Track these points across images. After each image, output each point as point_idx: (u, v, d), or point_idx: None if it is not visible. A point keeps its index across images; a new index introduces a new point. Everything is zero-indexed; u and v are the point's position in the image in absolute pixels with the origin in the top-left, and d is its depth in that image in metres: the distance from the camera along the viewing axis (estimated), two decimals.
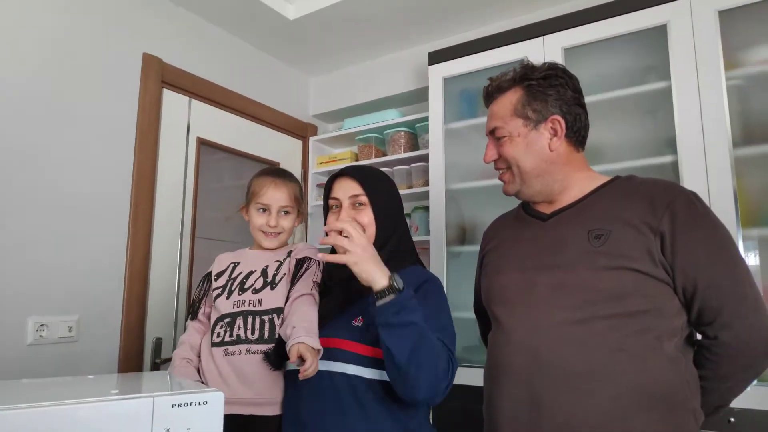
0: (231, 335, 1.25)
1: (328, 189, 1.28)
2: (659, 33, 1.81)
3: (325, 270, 1.32)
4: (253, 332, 1.24)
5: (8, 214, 1.67)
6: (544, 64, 1.17)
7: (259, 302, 1.27)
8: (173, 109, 2.24)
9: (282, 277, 1.30)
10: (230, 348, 1.23)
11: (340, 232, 1.12)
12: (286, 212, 1.38)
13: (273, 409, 1.21)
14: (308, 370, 1.06)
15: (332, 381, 1.14)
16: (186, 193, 2.26)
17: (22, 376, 1.62)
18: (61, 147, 1.82)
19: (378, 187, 1.25)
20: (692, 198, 1.05)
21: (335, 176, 1.28)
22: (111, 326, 1.92)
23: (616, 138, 1.95)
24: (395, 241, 1.24)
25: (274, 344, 1.22)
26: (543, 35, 2.02)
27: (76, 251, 1.83)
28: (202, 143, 2.36)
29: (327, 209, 1.28)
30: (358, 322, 1.17)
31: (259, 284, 1.30)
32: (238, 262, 1.37)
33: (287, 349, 1.11)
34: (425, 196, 2.42)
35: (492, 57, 2.13)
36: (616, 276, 1.00)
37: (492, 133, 1.18)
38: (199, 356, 1.31)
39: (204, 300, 1.37)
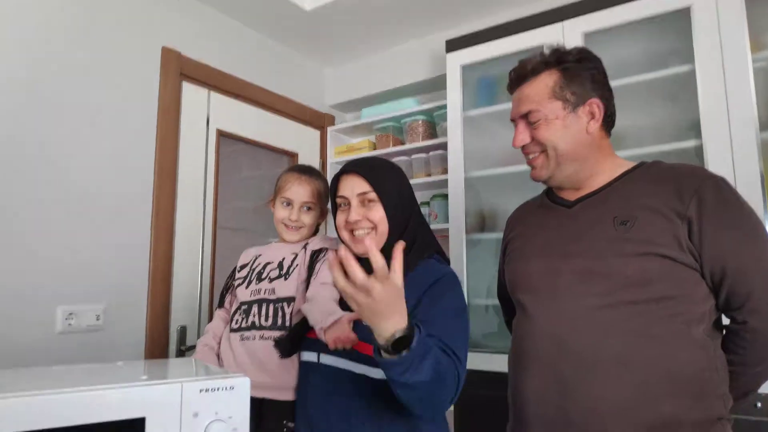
0: (247, 322, 1.30)
1: (334, 187, 1.23)
2: (682, 16, 1.77)
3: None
4: (266, 319, 1.28)
5: (36, 209, 1.70)
6: (574, 48, 1.15)
7: (273, 291, 1.31)
8: (192, 102, 2.26)
9: (295, 268, 1.33)
10: (246, 333, 1.28)
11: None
12: (309, 208, 1.40)
13: (286, 394, 1.24)
14: (351, 336, 1.06)
15: (339, 377, 1.14)
16: (207, 183, 2.29)
17: (52, 363, 1.66)
18: (83, 141, 1.84)
19: (386, 180, 1.19)
20: (720, 183, 1.03)
21: (340, 173, 1.22)
22: (137, 314, 1.96)
23: (638, 123, 1.91)
24: (411, 233, 1.20)
25: (285, 331, 1.25)
26: (563, 20, 1.99)
27: (102, 242, 1.86)
28: (222, 135, 2.38)
29: (335, 207, 1.24)
30: None
31: (274, 274, 1.34)
32: (260, 254, 1.41)
33: (330, 324, 1.09)
34: (444, 184, 2.41)
35: (511, 43, 2.09)
36: (642, 262, 0.99)
37: (525, 116, 1.14)
38: (220, 342, 1.36)
39: (231, 290, 1.42)
